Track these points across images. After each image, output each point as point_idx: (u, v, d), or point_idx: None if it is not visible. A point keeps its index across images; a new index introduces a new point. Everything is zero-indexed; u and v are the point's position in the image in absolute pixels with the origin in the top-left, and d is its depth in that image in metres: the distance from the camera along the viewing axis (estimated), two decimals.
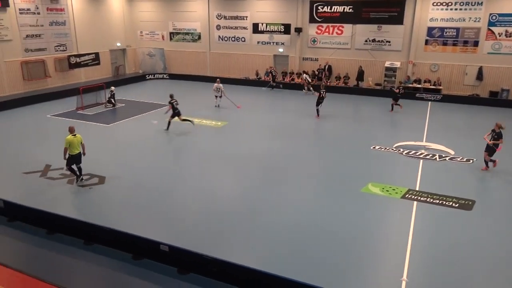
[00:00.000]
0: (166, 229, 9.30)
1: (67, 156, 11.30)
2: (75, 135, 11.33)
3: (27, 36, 23.84)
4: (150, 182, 11.84)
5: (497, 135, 12.64)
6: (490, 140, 12.71)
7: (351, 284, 7.46)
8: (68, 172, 11.89)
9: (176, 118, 16.83)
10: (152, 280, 7.53)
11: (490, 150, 12.76)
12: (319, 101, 19.20)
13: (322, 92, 19.23)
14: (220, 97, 21.47)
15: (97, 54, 25.52)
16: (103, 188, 11.43)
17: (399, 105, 20.88)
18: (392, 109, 21.01)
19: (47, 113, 19.91)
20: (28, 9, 23.72)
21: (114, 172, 12.48)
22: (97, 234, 8.64)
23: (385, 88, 25.63)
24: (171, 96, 16.84)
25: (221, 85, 21.48)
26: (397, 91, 21.18)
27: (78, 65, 24.39)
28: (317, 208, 10.35)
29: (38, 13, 24.32)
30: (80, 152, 11.47)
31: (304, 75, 26.22)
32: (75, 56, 24.00)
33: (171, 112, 16.75)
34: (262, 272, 7.08)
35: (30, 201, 10.15)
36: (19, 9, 23.18)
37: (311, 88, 25.30)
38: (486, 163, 12.95)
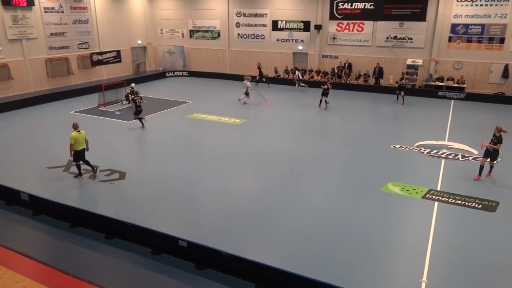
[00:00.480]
0: (185, 225, 9.39)
1: (72, 152, 11.58)
2: (79, 131, 11.61)
3: (51, 34, 24.42)
4: (170, 179, 11.97)
5: (497, 140, 11.58)
6: (492, 144, 11.61)
7: (370, 284, 7.37)
8: (89, 168, 12.14)
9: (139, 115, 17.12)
10: (170, 275, 7.63)
11: (492, 155, 11.72)
12: (325, 92, 20.60)
13: (328, 85, 20.77)
14: (246, 93, 21.48)
15: (118, 51, 25.88)
16: (123, 183, 11.62)
17: (401, 95, 21.96)
18: (402, 100, 21.92)
19: (70, 110, 20.36)
20: (53, 8, 24.27)
21: (135, 168, 12.68)
22: (118, 228, 8.80)
23: (406, 86, 25.18)
24: (135, 91, 17.12)
25: (248, 82, 21.60)
26: (402, 81, 22.07)
27: (100, 62, 24.76)
28: (336, 207, 10.27)
29: (62, 12, 24.87)
30: (84, 148, 11.75)
31: (297, 71, 26.33)
32: (97, 53, 24.39)
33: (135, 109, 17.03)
34: (278, 269, 7.07)
35: (53, 195, 10.43)
36: (44, 8, 23.76)
37: (302, 84, 25.78)
38: (480, 170, 11.87)
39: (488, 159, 11.94)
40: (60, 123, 18.05)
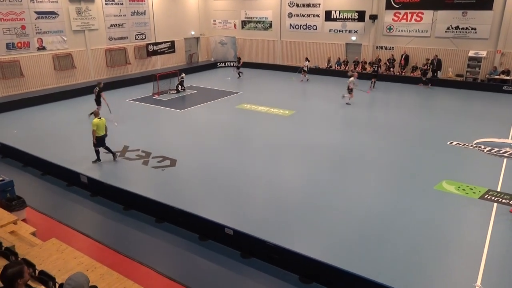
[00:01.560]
0: (232, 213, 9.54)
1: (95, 138, 12.04)
2: (100, 118, 12.08)
3: (111, 25, 25.59)
4: (218, 167, 12.19)
5: None
6: None
7: (420, 285, 7.09)
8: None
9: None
10: (216, 261, 7.81)
11: None
12: (372, 75, 23.41)
13: (374, 67, 23.65)
14: (349, 91, 19.35)
15: (172, 42, 26.70)
16: (174, 170, 12.02)
17: (427, 82, 23.49)
18: (424, 84, 23.65)
19: (127, 98, 21.30)
20: (113, 0, 25.40)
21: (185, 156, 13.05)
22: (168, 213, 9.13)
23: (467, 80, 23.75)
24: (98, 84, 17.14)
25: (352, 79, 19.39)
26: (425, 67, 23.64)
27: (155, 52, 25.73)
28: (386, 204, 9.95)
29: (121, 4, 25.94)
30: (105, 134, 12.21)
31: (306, 62, 25.79)
32: (153, 44, 25.33)
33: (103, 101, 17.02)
34: (323, 263, 7.00)
35: (110, 178, 11.01)
36: (105, 0, 24.92)
37: (306, 74, 25.76)
38: None
39: None
40: (118, 111, 18.92)
